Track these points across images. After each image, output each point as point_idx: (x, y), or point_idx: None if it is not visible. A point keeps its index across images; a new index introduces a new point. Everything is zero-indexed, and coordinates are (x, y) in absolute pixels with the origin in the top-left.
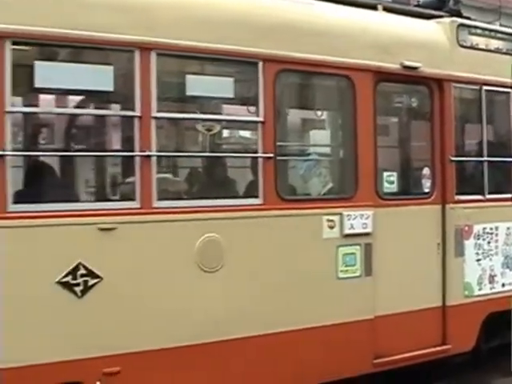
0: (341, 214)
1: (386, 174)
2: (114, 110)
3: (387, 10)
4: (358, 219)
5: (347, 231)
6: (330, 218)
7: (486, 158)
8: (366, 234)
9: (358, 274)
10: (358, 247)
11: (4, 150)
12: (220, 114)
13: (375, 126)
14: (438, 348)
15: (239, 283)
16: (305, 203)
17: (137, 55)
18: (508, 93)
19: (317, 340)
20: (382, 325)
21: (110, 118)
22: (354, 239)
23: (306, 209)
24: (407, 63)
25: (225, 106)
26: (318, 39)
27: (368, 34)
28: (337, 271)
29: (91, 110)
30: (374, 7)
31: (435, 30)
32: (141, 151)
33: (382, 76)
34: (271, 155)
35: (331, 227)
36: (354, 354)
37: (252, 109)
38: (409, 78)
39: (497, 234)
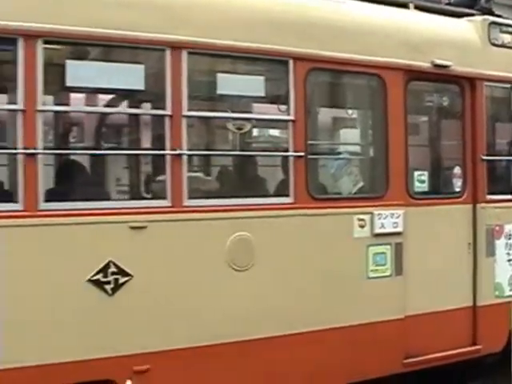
0: (371, 213)
1: (416, 173)
2: (145, 108)
3: (418, 8)
4: (389, 218)
5: (378, 230)
6: (361, 217)
7: None
8: (397, 234)
9: (388, 273)
10: (388, 247)
11: (36, 149)
12: (250, 112)
13: (406, 125)
14: (469, 348)
15: (269, 282)
16: (335, 202)
17: (168, 54)
18: None
19: (347, 339)
20: (413, 325)
21: (141, 116)
22: (384, 238)
23: (337, 208)
24: (438, 62)
25: (255, 104)
26: (349, 38)
27: (399, 33)
28: (367, 271)
29: (122, 109)
30: (405, 5)
31: (466, 29)
32: (172, 150)
33: (412, 74)
34: (302, 154)
35: (362, 226)
36: (384, 353)
37: (282, 107)
38: (440, 76)
39: None
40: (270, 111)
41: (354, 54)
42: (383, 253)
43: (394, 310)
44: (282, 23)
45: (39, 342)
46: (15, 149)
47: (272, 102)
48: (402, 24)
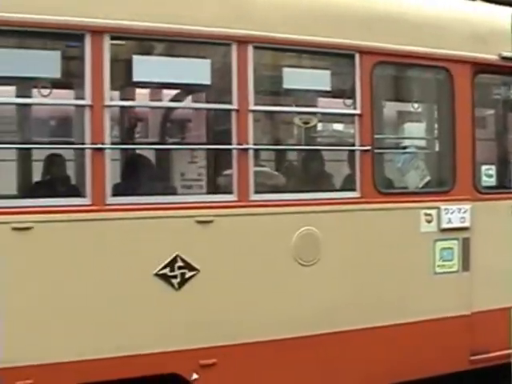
0: (438, 207)
1: (484, 167)
2: (211, 103)
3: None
4: (456, 213)
5: (445, 225)
6: (428, 211)
7: None
8: (464, 229)
9: (455, 269)
10: (455, 242)
11: (103, 144)
12: (316, 106)
13: (473, 119)
14: None
15: (336, 277)
16: (402, 197)
17: (234, 48)
18: None
19: (413, 335)
20: (479, 321)
21: (207, 111)
22: (451, 233)
23: (404, 202)
24: (505, 54)
25: (320, 98)
26: (415, 30)
27: (466, 25)
28: (434, 266)
29: (189, 104)
30: None
31: None
32: (238, 144)
33: (479, 67)
34: (368, 148)
35: (429, 221)
36: (451, 350)
37: (348, 101)
38: (507, 69)
39: None
40: (336, 105)
41: (420, 47)
42: (450, 248)
43: (460, 306)
44: (348, 16)
45: (106, 336)
46: (83, 144)
47: (337, 96)
48: (468, 16)
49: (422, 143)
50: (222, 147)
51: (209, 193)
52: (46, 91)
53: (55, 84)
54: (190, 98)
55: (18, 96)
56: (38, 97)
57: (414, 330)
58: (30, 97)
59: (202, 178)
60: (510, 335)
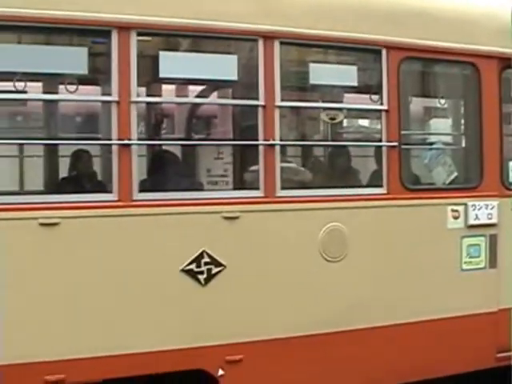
0: (465, 204)
1: (511, 163)
2: (238, 99)
3: None
4: (483, 210)
5: (472, 222)
6: (455, 208)
7: None
8: (491, 225)
9: (482, 265)
10: (482, 238)
11: (130, 140)
12: (342, 102)
13: (501, 114)
14: None
15: (362, 273)
16: (429, 193)
17: (260, 44)
18: None
19: (439, 332)
20: (506, 318)
21: (233, 107)
22: (478, 230)
23: (431, 198)
24: None
25: (347, 94)
26: (442, 25)
27: (493, 20)
28: (461, 262)
29: (215, 100)
30: None
31: None
32: (265, 140)
33: (506, 62)
34: (395, 144)
35: (456, 217)
36: (477, 347)
37: (375, 97)
38: None
39: None
40: (362, 101)
41: (447, 42)
42: (477, 244)
43: (487, 303)
44: (375, 11)
45: (133, 332)
46: (110, 140)
47: (364, 92)
48: (495, 11)
49: (449, 139)
50: (248, 143)
51: (235, 189)
52: (72, 87)
53: (81, 80)
54: (215, 93)
55: (45, 92)
56: (64, 93)
57: (441, 327)
58: (56, 93)
59: (228, 174)
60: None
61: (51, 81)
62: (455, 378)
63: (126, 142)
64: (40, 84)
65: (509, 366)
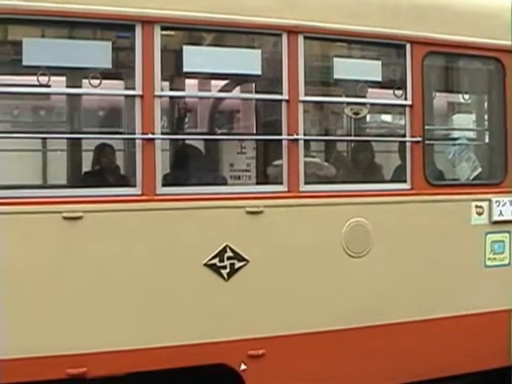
0: (490, 200)
1: None
2: (261, 93)
3: None
4: (508, 206)
5: (496, 218)
6: (479, 203)
7: None
8: None
9: (506, 262)
10: (506, 234)
11: (154, 134)
12: (366, 97)
13: None
14: None
15: (385, 269)
16: (453, 188)
17: (284, 39)
18: None
19: (463, 329)
20: None
21: (256, 101)
22: (502, 226)
23: (455, 194)
24: None
25: (371, 89)
26: (467, 20)
27: None
28: (484, 259)
29: (240, 94)
30: None
31: None
32: (288, 135)
33: None
34: (419, 139)
35: (480, 213)
36: (501, 345)
37: (398, 92)
38: None
39: None
40: (386, 96)
41: (472, 37)
42: (501, 241)
43: (511, 299)
44: (399, 6)
45: (155, 325)
46: (133, 134)
47: (387, 87)
48: None
49: (474, 135)
50: (272, 138)
51: (258, 183)
52: (95, 82)
53: (105, 75)
54: (239, 88)
55: (68, 86)
56: (88, 87)
57: (464, 323)
58: (80, 87)
59: (251, 169)
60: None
61: (75, 75)
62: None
63: (150, 136)
64: (63, 78)
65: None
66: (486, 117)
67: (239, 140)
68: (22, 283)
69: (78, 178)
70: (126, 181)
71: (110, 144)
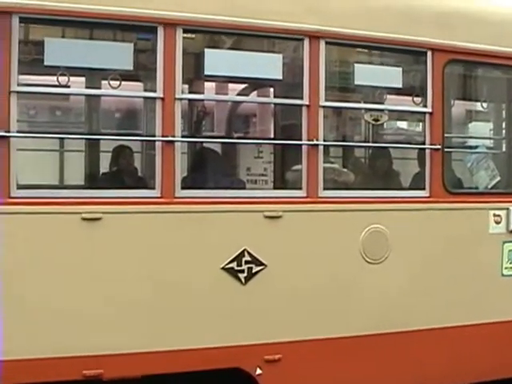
0: (508, 208)
1: None
2: (281, 98)
3: None
4: None
5: None
6: (497, 212)
7: None
8: None
9: None
10: None
11: (174, 137)
12: (387, 104)
13: None
14: None
15: (403, 276)
16: (471, 197)
17: (306, 43)
18: None
19: (479, 337)
20: None
21: (275, 106)
22: None
23: (473, 202)
24: None
25: (390, 96)
26: (488, 28)
27: None
28: (501, 268)
29: (261, 99)
30: None
31: None
32: (308, 140)
33: None
34: (439, 147)
35: (497, 222)
36: None
37: (417, 99)
38: None
39: None
40: (405, 103)
41: (492, 45)
42: None
43: None
44: (420, 13)
45: (172, 328)
46: (152, 136)
47: (407, 94)
48: None
49: (493, 143)
50: (292, 143)
51: (275, 188)
52: (115, 83)
53: (125, 76)
54: (258, 92)
55: (88, 87)
56: (107, 88)
57: (480, 332)
58: (99, 88)
59: (268, 173)
60: None
61: (95, 76)
62: None
63: (170, 138)
64: (83, 79)
65: None
66: (506, 126)
67: (258, 144)
68: (39, 284)
69: (95, 180)
70: (143, 183)
71: (129, 146)
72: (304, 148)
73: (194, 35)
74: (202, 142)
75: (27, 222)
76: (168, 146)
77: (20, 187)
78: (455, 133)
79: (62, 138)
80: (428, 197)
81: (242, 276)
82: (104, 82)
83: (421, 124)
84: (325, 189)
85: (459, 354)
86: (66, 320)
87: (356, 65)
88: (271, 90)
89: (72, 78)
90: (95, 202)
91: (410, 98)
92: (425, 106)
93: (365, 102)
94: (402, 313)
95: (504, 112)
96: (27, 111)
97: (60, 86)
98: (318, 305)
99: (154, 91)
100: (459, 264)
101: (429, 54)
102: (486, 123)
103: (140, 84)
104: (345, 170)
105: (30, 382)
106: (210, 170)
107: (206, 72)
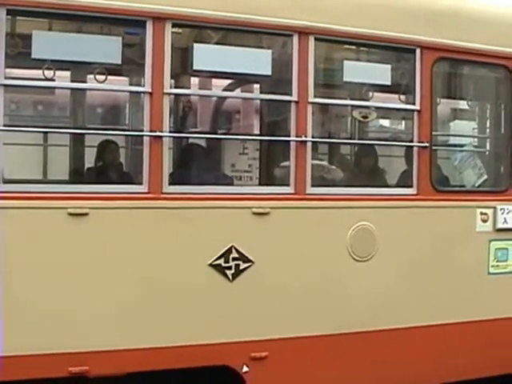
0: (494, 207)
1: None
2: (269, 94)
3: None
4: None
5: (500, 225)
6: (484, 211)
7: None
8: None
9: (509, 269)
10: (510, 242)
11: (162, 132)
12: (374, 101)
13: None
14: None
15: (390, 273)
16: (458, 195)
17: (295, 39)
18: None
19: (465, 335)
20: None
21: (261, 101)
22: (506, 234)
23: (460, 201)
24: None
25: (378, 93)
26: (477, 27)
27: None
28: (488, 266)
29: (248, 94)
30: None
31: None
32: (297, 136)
33: None
34: (426, 145)
35: (484, 220)
36: (503, 352)
37: (404, 97)
38: None
39: None
40: (394, 100)
41: (481, 44)
42: (505, 248)
43: None
44: (410, 11)
45: (157, 325)
46: (137, 131)
47: (396, 91)
48: None
49: (480, 141)
50: (281, 139)
51: (261, 184)
52: (101, 77)
53: (112, 71)
54: (246, 88)
55: (73, 81)
56: (93, 83)
57: (465, 330)
58: (85, 82)
59: (252, 170)
60: None
61: (81, 70)
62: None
63: (158, 133)
64: (68, 73)
65: None
66: (493, 124)
67: (244, 140)
68: (25, 280)
69: (80, 174)
70: (129, 178)
71: (115, 141)
72: (292, 144)
73: (181, 30)
74: (189, 138)
75: (12, 216)
76: (156, 141)
77: (6, 181)
78: (444, 131)
79: (47, 132)
80: (415, 194)
81: (229, 273)
82: (90, 77)
83: (408, 122)
84: (312, 186)
85: (445, 352)
86: (51, 316)
87: (345, 61)
88: (257, 86)
89: (58, 73)
90: (82, 197)
91: (397, 96)
92: (413, 103)
93: (354, 99)
94: (389, 310)
95: (492, 111)
96: (11, 105)
97: (46, 79)
98: (305, 302)
99: (139, 85)
100: (446, 262)
101: (418, 51)
102: (477, 122)
103: (126, 79)
104: (333, 166)
105: (15, 379)
106: (197, 165)
107: (195, 67)
